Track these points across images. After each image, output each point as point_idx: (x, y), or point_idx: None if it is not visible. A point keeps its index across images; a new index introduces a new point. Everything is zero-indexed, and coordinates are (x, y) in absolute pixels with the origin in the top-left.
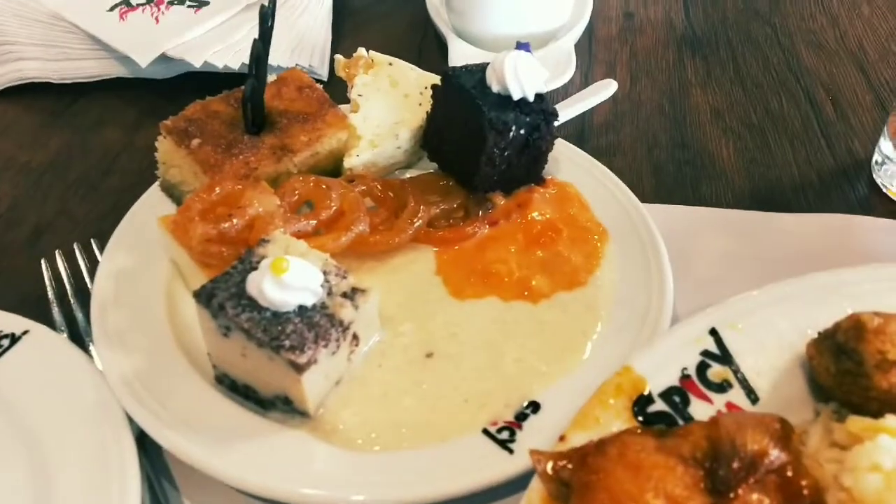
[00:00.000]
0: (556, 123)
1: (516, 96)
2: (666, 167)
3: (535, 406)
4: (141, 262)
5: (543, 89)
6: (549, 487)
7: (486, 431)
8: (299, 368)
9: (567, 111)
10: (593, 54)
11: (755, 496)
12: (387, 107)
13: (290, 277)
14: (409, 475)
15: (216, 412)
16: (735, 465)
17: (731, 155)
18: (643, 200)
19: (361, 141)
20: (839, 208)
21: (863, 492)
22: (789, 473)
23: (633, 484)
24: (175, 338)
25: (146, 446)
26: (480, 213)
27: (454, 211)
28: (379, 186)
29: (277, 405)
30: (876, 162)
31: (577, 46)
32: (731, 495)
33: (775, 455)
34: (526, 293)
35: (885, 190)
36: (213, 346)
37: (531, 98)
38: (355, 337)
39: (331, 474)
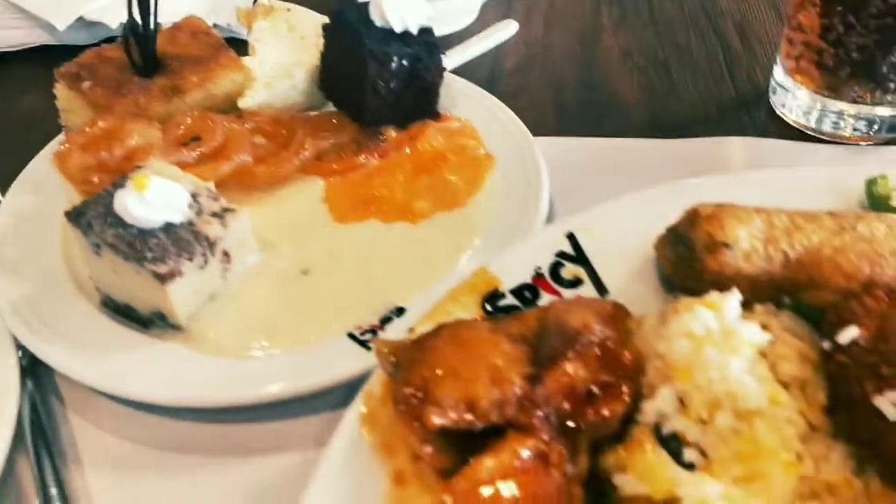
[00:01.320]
0: (453, 62)
1: (398, 29)
2: (571, 106)
3: (400, 311)
4: (42, 201)
5: (427, 23)
6: (386, 367)
7: (350, 335)
8: (162, 279)
9: (467, 51)
10: (512, 3)
11: (573, 365)
12: (284, 50)
13: (151, 194)
14: (272, 375)
15: (100, 332)
16: (557, 339)
17: (634, 91)
18: (545, 135)
19: (256, 83)
20: (735, 133)
21: (675, 356)
22: (610, 345)
23: (457, 357)
24: (67, 269)
25: (39, 374)
26: (372, 146)
27: (346, 145)
28: (269, 123)
29: (156, 322)
30: (771, 88)
31: None
32: (553, 366)
33: (598, 330)
34: (407, 215)
35: (778, 113)
36: (90, 266)
37: (414, 31)
38: (226, 254)
39: (198, 378)
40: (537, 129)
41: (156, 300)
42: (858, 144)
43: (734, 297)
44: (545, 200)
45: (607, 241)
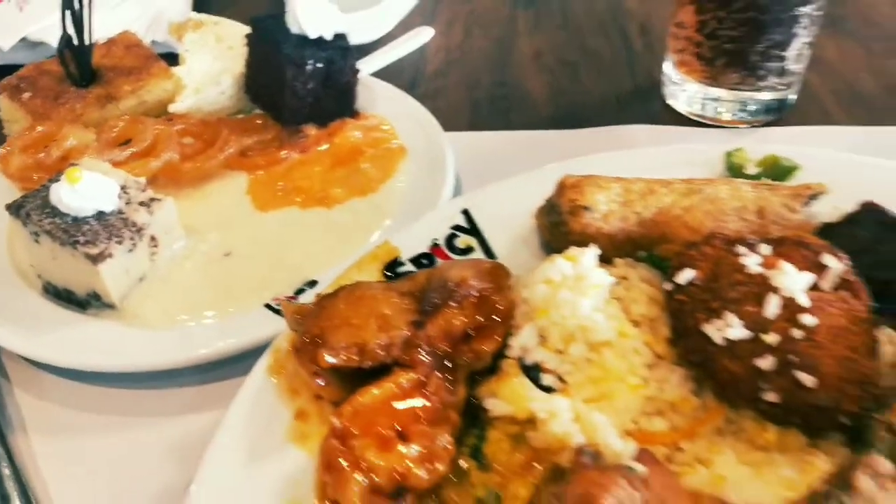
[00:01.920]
0: (373, 66)
1: (313, 35)
2: (483, 103)
3: (313, 284)
4: None
5: (340, 30)
6: (291, 324)
7: (267, 305)
8: (94, 259)
9: (385, 56)
10: (437, 12)
11: (451, 312)
12: (212, 59)
13: (83, 186)
14: (195, 342)
15: (42, 314)
16: (439, 292)
17: (543, 88)
18: (459, 130)
19: (186, 89)
20: (631, 122)
21: (535, 299)
22: (486, 295)
23: (350, 310)
24: (10, 260)
25: None
26: (293, 142)
27: (270, 143)
28: (196, 125)
29: (92, 303)
30: (663, 81)
31: (421, 5)
32: (434, 314)
33: (475, 283)
34: (323, 201)
35: (669, 103)
36: (30, 255)
37: (328, 37)
38: (153, 239)
39: (131, 347)
40: (452, 126)
41: (90, 281)
42: (737, 127)
43: (590, 251)
44: (449, 184)
45: (497, 214)
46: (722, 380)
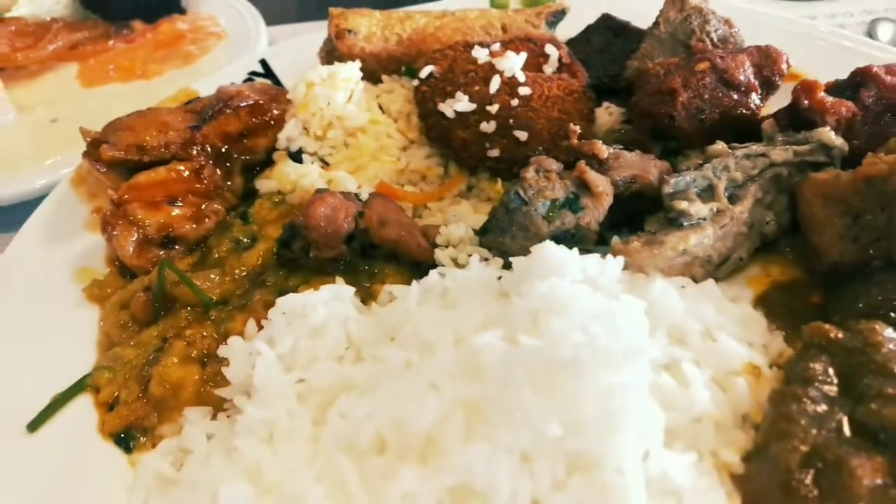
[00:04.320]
0: None
1: None
2: (308, 4)
3: None
4: None
5: None
6: (87, 142)
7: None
8: None
9: None
10: None
11: (227, 116)
12: None
13: None
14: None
15: None
16: (219, 102)
17: None
18: (283, 22)
19: None
20: None
21: (297, 98)
22: (261, 103)
23: (136, 121)
24: None
25: None
26: (121, 35)
27: (99, 38)
28: (28, 24)
29: None
30: None
31: None
32: (212, 118)
33: (251, 95)
34: (143, 75)
35: None
36: None
37: None
38: None
39: None
40: (280, 20)
41: None
42: None
43: (353, 64)
44: (258, 54)
45: (292, 60)
46: (456, 146)
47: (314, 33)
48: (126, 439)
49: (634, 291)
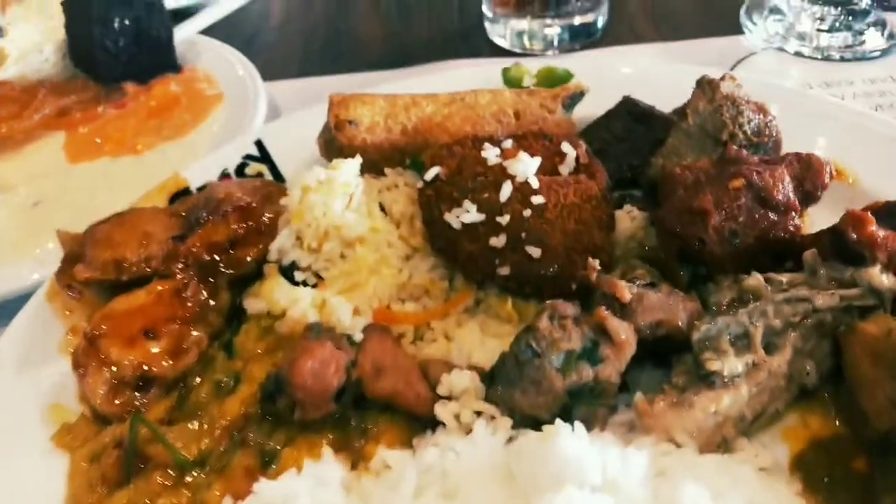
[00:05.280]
0: (201, 24)
1: None
2: (314, 49)
3: None
4: None
5: None
6: (64, 249)
7: None
8: None
9: (211, 14)
10: None
11: (214, 225)
12: (34, 30)
13: None
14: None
15: None
16: (205, 207)
17: (377, 32)
18: (285, 77)
19: (9, 59)
20: (455, 58)
21: (291, 205)
22: (252, 207)
23: (114, 230)
24: None
25: None
26: (112, 99)
27: (89, 102)
28: (13, 90)
29: None
30: (484, 18)
31: None
32: (198, 227)
33: (241, 196)
34: (133, 150)
35: (491, 38)
36: None
37: None
38: None
39: None
40: (281, 74)
41: None
42: (545, 55)
43: (352, 160)
44: (257, 124)
45: (289, 142)
46: (463, 260)
47: (314, 108)
48: None
49: (660, 500)
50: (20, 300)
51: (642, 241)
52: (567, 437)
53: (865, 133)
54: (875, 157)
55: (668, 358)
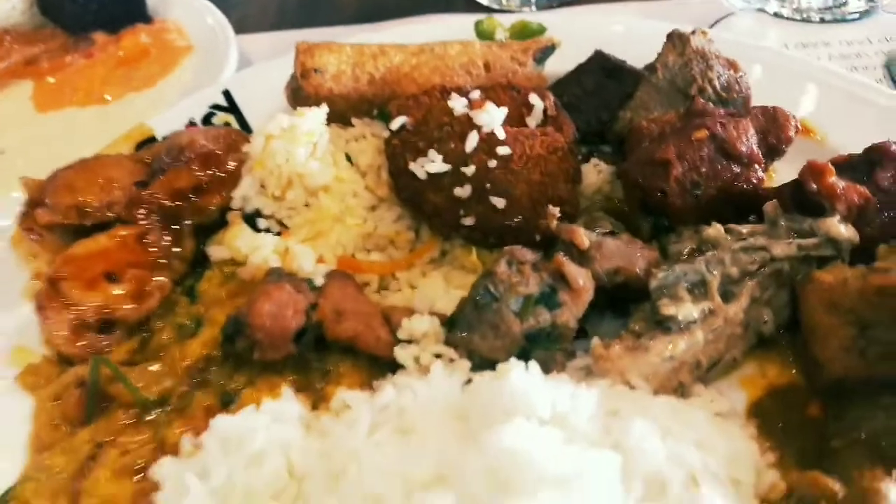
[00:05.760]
0: None
1: None
2: (289, 3)
3: None
4: None
5: None
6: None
7: None
8: None
9: None
10: None
11: (176, 172)
12: None
13: None
14: None
15: None
16: (168, 155)
17: None
18: (263, 31)
19: None
20: (433, 12)
21: (254, 152)
22: (216, 154)
23: (77, 176)
24: None
25: None
26: (80, 49)
27: (57, 51)
28: None
29: None
30: None
31: None
32: (161, 174)
33: (203, 145)
34: (99, 100)
35: None
36: None
37: None
38: None
39: None
40: (256, 27)
41: None
42: (521, 11)
43: (317, 112)
44: (227, 74)
45: (257, 92)
46: (428, 211)
47: (284, 58)
48: None
49: (610, 435)
50: None
51: (608, 194)
52: (519, 374)
53: (836, 93)
54: (845, 116)
55: (627, 308)
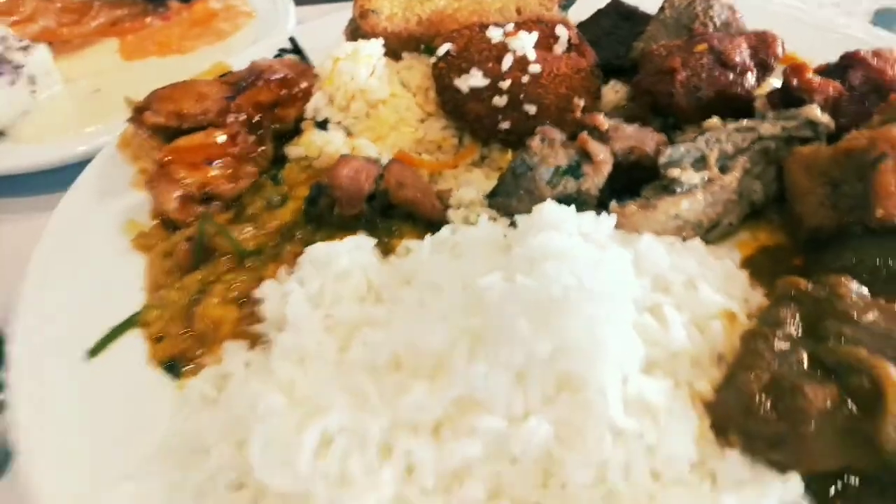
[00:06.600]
0: None
1: None
2: None
3: None
4: None
5: None
6: (132, 110)
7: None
8: None
9: None
10: None
11: (259, 89)
12: None
13: None
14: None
15: None
16: (251, 76)
17: None
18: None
19: None
20: None
21: (323, 72)
22: (290, 76)
23: (175, 91)
24: None
25: None
26: (158, 13)
27: (138, 14)
28: (74, 3)
29: None
30: None
31: None
32: (245, 90)
33: (281, 69)
34: (178, 51)
35: None
36: None
37: None
38: (32, 79)
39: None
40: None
41: None
42: None
43: (376, 42)
44: (288, 32)
45: (320, 39)
46: (470, 119)
47: (341, 12)
48: (173, 368)
49: (624, 245)
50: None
51: (623, 111)
52: (551, 205)
53: (823, 33)
54: (822, 46)
55: (640, 189)
